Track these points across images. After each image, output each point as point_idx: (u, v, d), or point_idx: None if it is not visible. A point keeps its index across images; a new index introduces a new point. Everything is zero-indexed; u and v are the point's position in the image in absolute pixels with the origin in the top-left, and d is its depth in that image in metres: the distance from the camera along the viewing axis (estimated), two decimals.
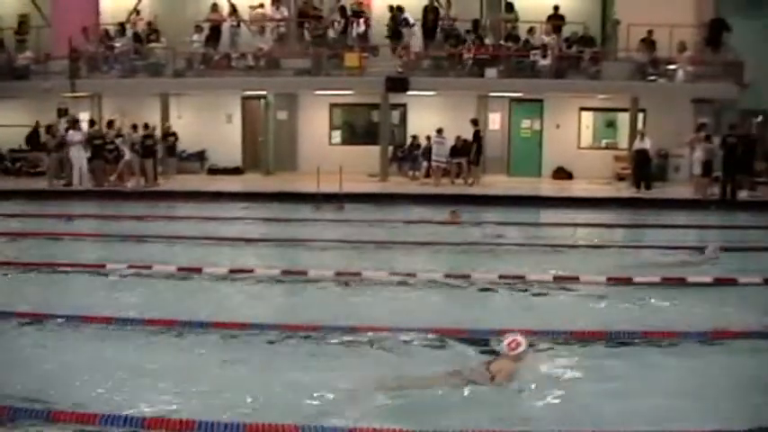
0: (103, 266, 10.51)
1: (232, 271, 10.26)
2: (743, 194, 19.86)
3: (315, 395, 5.85)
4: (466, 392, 5.92)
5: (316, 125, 24.36)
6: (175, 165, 22.94)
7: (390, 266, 10.83)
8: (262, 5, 23.58)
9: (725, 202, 19.37)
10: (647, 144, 21.09)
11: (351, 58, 22.06)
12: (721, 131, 21.82)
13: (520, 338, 6.18)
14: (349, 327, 7.59)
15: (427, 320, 7.93)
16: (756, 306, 8.90)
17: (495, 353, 6.46)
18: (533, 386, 6.11)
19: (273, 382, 6.22)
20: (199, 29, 23.33)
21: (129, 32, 24.00)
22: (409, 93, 21.91)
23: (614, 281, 9.95)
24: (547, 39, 22.57)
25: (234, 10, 23.80)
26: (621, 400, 5.98)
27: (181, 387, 6.04)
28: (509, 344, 6.14)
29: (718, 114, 22.86)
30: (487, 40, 22.60)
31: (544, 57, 22.08)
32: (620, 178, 22.40)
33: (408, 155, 22.92)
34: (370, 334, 7.35)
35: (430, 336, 7.32)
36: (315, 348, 7.12)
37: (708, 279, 10.07)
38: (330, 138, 24.47)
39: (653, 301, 9.17)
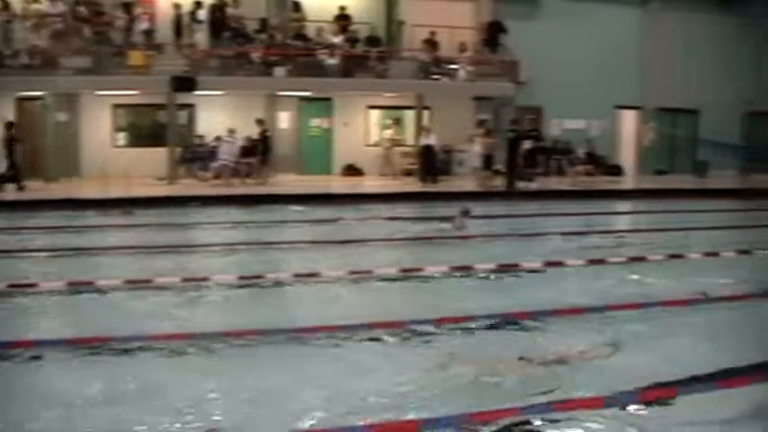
0: None
1: (12, 285, 9.56)
2: (521, 185, 21.18)
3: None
4: None
5: (99, 127, 23.18)
6: None
7: (184, 271, 10.57)
8: (37, 0, 22.14)
9: (507, 193, 20.57)
10: (432, 140, 22.01)
11: (135, 57, 21.21)
12: (500, 127, 23.17)
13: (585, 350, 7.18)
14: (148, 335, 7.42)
15: (228, 323, 7.90)
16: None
17: None
18: None
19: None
20: None
21: None
22: (197, 92, 21.41)
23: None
24: (334, 38, 22.85)
25: (6, 5, 22.18)
26: None
27: None
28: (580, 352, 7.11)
29: (497, 111, 24.18)
30: (276, 40, 22.54)
31: (332, 56, 22.33)
32: (408, 173, 23.12)
33: (197, 156, 22.39)
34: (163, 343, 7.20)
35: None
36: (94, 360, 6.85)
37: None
38: (114, 140, 23.40)
39: None
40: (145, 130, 23.77)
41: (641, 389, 6.22)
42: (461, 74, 23.05)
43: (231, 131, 21.24)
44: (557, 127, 25.62)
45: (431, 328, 7.95)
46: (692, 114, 27.53)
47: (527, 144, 21.84)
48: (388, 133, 24.06)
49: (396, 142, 24.12)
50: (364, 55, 23.00)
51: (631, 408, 5.90)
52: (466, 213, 14.66)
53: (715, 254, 12.49)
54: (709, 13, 27.33)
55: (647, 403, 5.99)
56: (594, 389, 6.23)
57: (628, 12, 26.47)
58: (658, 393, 6.17)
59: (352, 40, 23.12)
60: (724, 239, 14.10)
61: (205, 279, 9.95)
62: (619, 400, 6.03)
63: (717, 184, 23.89)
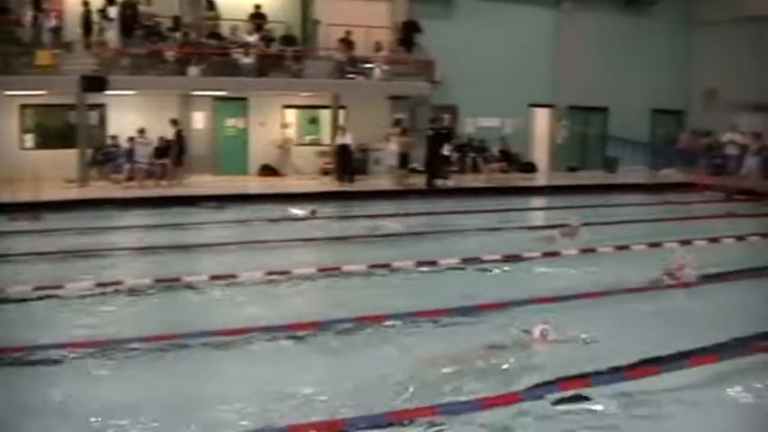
0: None
1: None
2: (439, 183, 21.41)
3: None
4: None
5: (5, 129, 22.38)
6: None
7: (97, 276, 10.35)
8: None
9: (424, 191, 20.77)
10: (348, 139, 22.06)
11: (42, 56, 20.51)
12: (416, 126, 23.38)
13: (546, 326, 7.54)
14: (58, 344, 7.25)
15: (140, 328, 7.77)
16: None
17: None
18: None
19: None
20: None
21: None
22: (108, 92, 20.89)
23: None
24: (249, 37, 22.63)
25: None
26: None
27: None
28: (541, 332, 7.48)
29: (412, 110, 24.37)
30: (189, 38, 22.17)
31: (247, 55, 22.12)
32: (325, 173, 23.08)
33: (109, 157, 21.84)
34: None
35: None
36: None
37: None
38: (22, 142, 22.64)
39: None
40: (54, 131, 22.99)
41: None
42: (377, 73, 23.12)
43: (141, 132, 20.83)
44: (471, 125, 25.94)
45: (347, 326, 8.01)
46: (602, 112, 28.26)
47: (446, 149, 22.02)
48: (287, 133, 23.80)
49: (293, 142, 23.91)
50: (280, 54, 22.84)
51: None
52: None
53: (626, 247, 12.96)
54: (618, 14, 28.12)
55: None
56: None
57: (541, 12, 26.98)
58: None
59: (268, 39, 22.93)
60: (634, 232, 14.59)
61: (118, 283, 9.77)
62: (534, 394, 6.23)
63: (626, 179, 24.63)
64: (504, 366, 6.95)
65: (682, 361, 7.10)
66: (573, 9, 27.16)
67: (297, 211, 17.03)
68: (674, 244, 13.01)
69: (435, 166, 21.69)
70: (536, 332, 7.55)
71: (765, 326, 8.23)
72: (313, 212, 16.72)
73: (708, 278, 10.46)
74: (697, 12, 29.05)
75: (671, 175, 25.53)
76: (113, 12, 21.39)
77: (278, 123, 24.03)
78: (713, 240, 13.80)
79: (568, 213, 16.85)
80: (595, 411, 5.99)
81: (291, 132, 24.05)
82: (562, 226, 14.34)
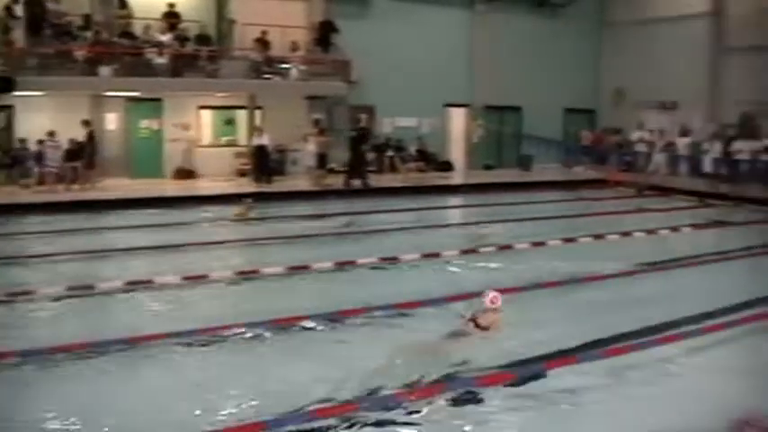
0: None
1: None
2: (359, 183, 21.44)
3: None
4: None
5: None
6: None
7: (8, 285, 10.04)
8: None
9: (342, 191, 20.77)
10: (265, 140, 21.90)
11: None
12: (334, 126, 23.39)
13: (496, 293, 7.72)
14: None
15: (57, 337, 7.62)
16: None
17: None
18: None
19: None
20: None
21: None
22: (16, 93, 20.22)
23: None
24: (162, 37, 22.23)
25: None
26: None
27: None
28: (491, 299, 7.64)
29: (330, 110, 24.36)
30: (101, 37, 21.64)
31: (161, 55, 21.74)
32: (242, 174, 22.85)
33: (18, 161, 21.15)
34: None
35: None
36: None
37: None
38: None
39: None
40: None
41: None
42: (294, 73, 23.01)
43: (51, 134, 20.26)
44: (389, 125, 26.07)
45: (262, 331, 7.99)
46: (516, 111, 28.76)
47: (362, 148, 22.09)
48: (189, 134, 23.33)
49: (195, 143, 23.51)
50: (194, 54, 22.52)
51: None
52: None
53: (542, 243, 13.25)
54: (531, 16, 28.67)
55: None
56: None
57: (456, 13, 27.28)
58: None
59: (182, 39, 22.57)
60: (549, 228, 14.92)
61: (30, 293, 9.50)
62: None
63: (541, 176, 25.14)
64: (421, 362, 7.03)
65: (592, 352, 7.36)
66: (487, 10, 27.57)
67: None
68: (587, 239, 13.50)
69: (358, 166, 21.75)
70: (486, 300, 7.74)
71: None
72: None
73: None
74: (607, 14, 29.93)
75: (582, 172, 26.18)
76: (19, 10, 20.73)
77: (194, 124, 23.62)
78: (625, 234, 14.33)
79: (487, 211, 17.22)
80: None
81: (193, 134, 23.48)
82: (483, 224, 14.64)
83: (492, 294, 7.75)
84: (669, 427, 5.86)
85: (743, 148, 21.25)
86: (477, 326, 7.65)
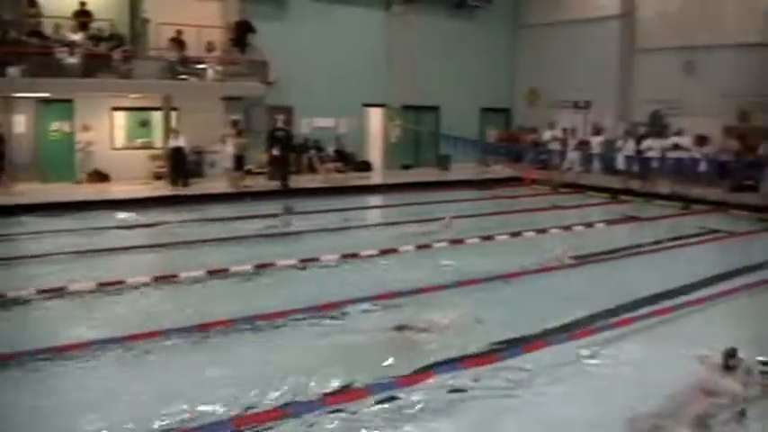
0: None
1: None
2: (280, 183, 21.34)
3: None
4: None
5: None
6: None
7: None
8: None
9: (262, 193, 20.63)
10: (181, 142, 21.56)
11: None
12: (252, 127, 23.22)
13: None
14: None
15: None
16: None
17: None
18: None
19: None
20: None
21: None
22: None
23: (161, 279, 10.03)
24: (74, 36, 21.66)
25: None
26: None
27: None
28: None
29: (247, 111, 24.16)
30: (8, 36, 20.95)
31: (72, 55, 21.18)
32: (158, 177, 22.43)
33: None
34: None
35: None
36: None
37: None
38: None
39: None
40: None
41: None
42: (210, 74, 22.73)
43: None
44: (307, 125, 25.99)
45: (191, 335, 7.91)
46: (434, 111, 29.03)
47: (276, 149, 21.97)
48: (87, 136, 22.70)
49: (92, 144, 22.92)
50: (107, 54, 22.00)
51: None
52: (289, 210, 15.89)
53: (460, 241, 13.45)
54: (448, 17, 28.97)
55: None
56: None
57: (373, 14, 27.35)
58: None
59: (96, 39, 22.03)
60: (467, 226, 15.14)
61: None
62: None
63: (458, 175, 25.45)
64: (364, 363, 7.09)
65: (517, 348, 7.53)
66: (403, 12, 27.75)
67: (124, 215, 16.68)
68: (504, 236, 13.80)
69: (288, 166, 21.73)
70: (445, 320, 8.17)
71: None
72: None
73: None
74: (522, 16, 30.51)
75: (500, 170, 26.60)
76: None
77: (107, 126, 23.04)
78: (541, 231, 14.68)
79: (407, 210, 17.38)
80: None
81: (92, 135, 22.79)
82: (441, 219, 15.13)
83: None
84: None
85: (653, 146, 21.92)
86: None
